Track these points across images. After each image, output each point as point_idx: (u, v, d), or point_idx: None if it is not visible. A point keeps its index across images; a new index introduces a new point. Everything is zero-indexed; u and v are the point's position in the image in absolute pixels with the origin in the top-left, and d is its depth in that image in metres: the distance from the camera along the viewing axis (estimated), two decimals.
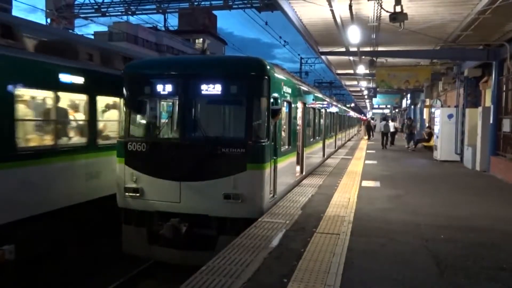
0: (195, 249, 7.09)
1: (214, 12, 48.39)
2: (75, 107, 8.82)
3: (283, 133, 8.87)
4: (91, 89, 8.69)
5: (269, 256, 5.25)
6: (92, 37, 32.44)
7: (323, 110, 15.64)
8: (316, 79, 53.21)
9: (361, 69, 21.87)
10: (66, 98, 8.35)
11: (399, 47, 17.18)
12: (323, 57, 20.50)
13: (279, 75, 8.32)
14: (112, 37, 34.49)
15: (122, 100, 8.12)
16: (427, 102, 27.87)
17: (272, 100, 7.58)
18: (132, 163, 7.54)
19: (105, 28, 33.60)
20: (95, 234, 8.76)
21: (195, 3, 19.65)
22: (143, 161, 7.51)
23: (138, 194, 7.45)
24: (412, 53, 17.47)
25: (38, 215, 7.41)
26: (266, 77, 7.40)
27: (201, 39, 47.19)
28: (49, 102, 7.96)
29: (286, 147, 9.10)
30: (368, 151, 22.05)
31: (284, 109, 9.01)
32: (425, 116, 29.84)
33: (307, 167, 11.87)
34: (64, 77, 8.02)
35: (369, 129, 37.10)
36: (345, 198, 8.92)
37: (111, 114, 9.72)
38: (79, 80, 8.40)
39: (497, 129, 13.63)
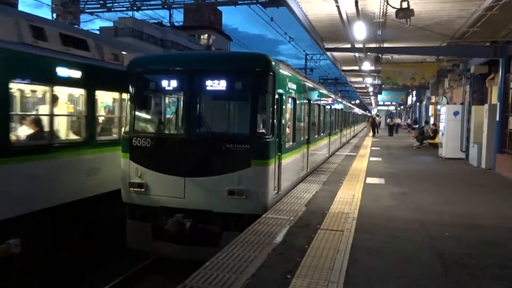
0: (199, 244, 7.10)
1: (219, 8, 48.36)
2: None
3: (287, 130, 8.85)
4: None
5: (273, 252, 5.25)
6: (98, 32, 32.47)
7: (328, 107, 15.60)
8: (321, 76, 53.02)
9: (367, 66, 21.76)
10: None
11: (405, 44, 17.09)
12: (328, 53, 20.43)
13: (284, 71, 8.29)
14: (118, 33, 34.53)
15: (127, 95, 8.13)
16: (433, 99, 27.74)
17: (277, 96, 7.56)
18: (137, 159, 7.56)
19: (110, 24, 33.66)
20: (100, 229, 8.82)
21: None
22: (148, 156, 7.53)
23: (142, 189, 7.47)
24: (418, 50, 17.39)
25: None
26: (271, 73, 7.38)
27: (206, 35, 47.16)
28: None
29: (291, 143, 9.08)
30: (372, 148, 21.98)
31: (289, 106, 8.99)
32: (431, 113, 29.70)
33: (312, 163, 11.85)
34: None
35: (374, 126, 36.94)
36: (349, 195, 8.90)
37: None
38: None
39: (504, 126, 13.53)
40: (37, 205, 7.39)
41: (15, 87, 7.19)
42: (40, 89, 7.86)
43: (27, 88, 7.77)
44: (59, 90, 8.08)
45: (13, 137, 7.11)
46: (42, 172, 7.49)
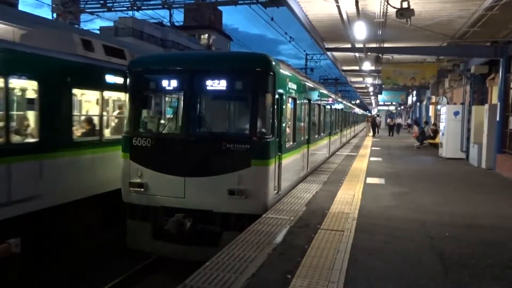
0: (199, 244, 7.11)
1: (220, 7, 48.35)
2: None
3: (288, 130, 8.85)
4: None
5: (273, 252, 5.25)
6: (98, 32, 32.47)
7: (328, 107, 15.59)
8: (321, 76, 53.02)
9: (367, 66, 21.75)
10: None
11: (406, 44, 17.08)
12: (328, 53, 20.42)
13: (284, 71, 8.29)
14: (118, 33, 34.53)
15: (127, 95, 8.14)
16: (433, 99, 27.73)
17: (277, 96, 7.56)
18: (137, 158, 7.56)
19: (111, 24, 33.67)
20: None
21: None
22: (148, 156, 7.53)
23: (143, 189, 7.47)
24: (419, 50, 17.38)
25: None
26: (271, 73, 7.38)
27: (207, 35, 47.16)
28: None
29: (291, 143, 9.08)
30: (373, 148, 21.97)
31: (289, 106, 8.98)
32: (431, 113, 29.69)
33: (312, 163, 11.85)
34: None
35: (374, 125, 36.93)
36: (349, 195, 8.90)
37: None
38: None
39: (504, 126, 13.52)
40: (91, 191, 8.62)
41: (75, 92, 8.58)
42: (93, 94, 9.30)
43: (83, 92, 9.18)
44: (107, 94, 9.49)
45: (74, 133, 8.57)
46: (95, 163, 8.82)
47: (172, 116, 8.60)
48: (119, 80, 9.37)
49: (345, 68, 26.93)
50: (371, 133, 35.79)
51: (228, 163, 7.13)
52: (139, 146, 7.55)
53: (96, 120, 9.11)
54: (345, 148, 21.47)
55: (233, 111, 8.61)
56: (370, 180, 11.20)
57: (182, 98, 7.82)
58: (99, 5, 20.06)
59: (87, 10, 20.47)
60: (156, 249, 7.60)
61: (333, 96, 19.05)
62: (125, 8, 20.31)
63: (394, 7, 10.21)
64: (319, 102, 13.10)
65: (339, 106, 20.19)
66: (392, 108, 61.41)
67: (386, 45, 17.46)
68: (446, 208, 8.20)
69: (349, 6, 11.87)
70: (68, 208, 8.02)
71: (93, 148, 8.80)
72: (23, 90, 7.68)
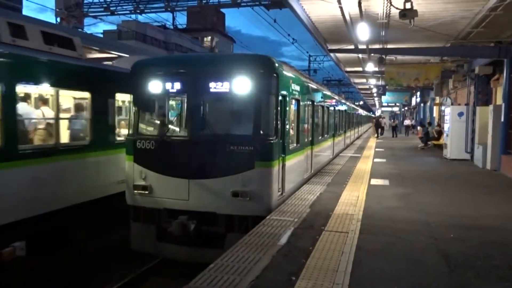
0: (204, 246, 7.11)
1: (222, 10, 48.41)
2: None
3: (291, 131, 8.84)
4: None
5: (278, 254, 5.25)
6: (101, 35, 32.61)
7: (331, 108, 15.58)
8: (324, 77, 53.03)
9: (370, 67, 21.71)
10: None
11: (409, 45, 17.07)
12: (331, 54, 20.45)
13: (287, 73, 8.29)
14: (121, 36, 34.68)
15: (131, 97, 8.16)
16: (437, 100, 27.66)
17: (280, 97, 7.56)
18: (141, 161, 7.58)
19: (114, 27, 33.81)
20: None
21: (204, 1, 19.68)
22: (152, 158, 7.54)
23: (147, 192, 7.48)
24: (422, 51, 17.35)
25: None
26: (275, 75, 7.38)
27: (210, 37, 47.27)
28: None
29: (295, 145, 9.08)
30: (377, 149, 21.92)
31: (293, 107, 8.98)
32: (435, 114, 29.60)
33: (316, 165, 11.84)
34: None
35: (378, 127, 36.84)
36: (353, 196, 8.88)
37: None
38: None
39: (508, 127, 13.46)
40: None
41: None
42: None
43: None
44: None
45: None
46: None
47: (176, 118, 8.62)
48: None
49: (348, 69, 26.92)
50: (375, 134, 35.69)
51: (232, 165, 7.13)
52: (143, 149, 7.57)
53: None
54: (349, 150, 21.43)
55: (236, 113, 8.60)
56: (374, 181, 11.17)
57: (186, 100, 7.83)
58: (102, 9, 20.21)
59: (90, 14, 20.63)
60: (160, 251, 7.61)
61: (336, 97, 19.03)
62: (128, 12, 20.48)
63: (397, 8, 10.21)
64: (322, 103, 13.10)
65: (342, 107, 20.16)
66: (396, 109, 61.22)
67: (389, 46, 17.44)
68: (451, 209, 8.17)
69: (352, 7, 11.87)
70: None
71: None
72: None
